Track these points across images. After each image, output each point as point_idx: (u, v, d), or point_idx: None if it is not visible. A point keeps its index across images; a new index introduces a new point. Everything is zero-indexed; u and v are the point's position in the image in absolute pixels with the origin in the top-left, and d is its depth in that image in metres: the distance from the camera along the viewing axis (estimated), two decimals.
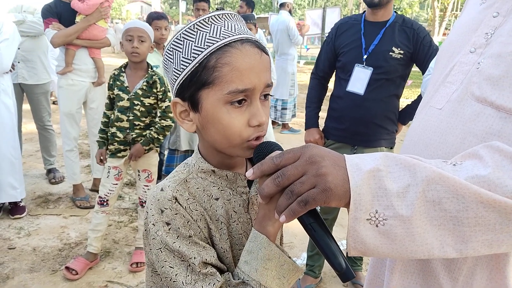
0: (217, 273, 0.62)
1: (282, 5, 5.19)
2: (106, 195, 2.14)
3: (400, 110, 1.97)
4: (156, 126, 2.10)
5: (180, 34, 0.62)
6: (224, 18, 0.62)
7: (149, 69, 2.12)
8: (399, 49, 1.78)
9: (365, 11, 1.91)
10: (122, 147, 2.11)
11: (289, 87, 5.18)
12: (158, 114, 2.14)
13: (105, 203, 2.15)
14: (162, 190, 0.64)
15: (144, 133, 2.12)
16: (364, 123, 1.85)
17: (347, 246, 0.54)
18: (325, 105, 2.01)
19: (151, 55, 2.37)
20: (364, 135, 1.88)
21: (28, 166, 3.53)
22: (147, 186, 2.21)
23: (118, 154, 2.11)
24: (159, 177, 2.80)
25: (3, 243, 2.39)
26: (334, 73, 2.02)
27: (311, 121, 2.05)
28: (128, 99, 2.06)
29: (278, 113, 5.29)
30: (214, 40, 0.59)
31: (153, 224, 0.62)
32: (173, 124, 2.18)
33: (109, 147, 2.12)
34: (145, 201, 2.21)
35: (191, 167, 0.69)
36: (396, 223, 0.51)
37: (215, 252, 0.64)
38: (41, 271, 2.15)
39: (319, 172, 0.51)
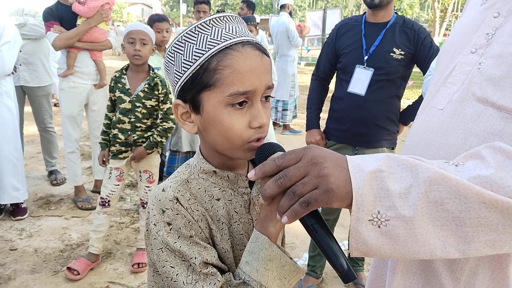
0: (218, 273, 0.62)
1: (282, 7, 5.21)
2: (107, 196, 2.15)
3: (401, 110, 1.97)
4: (158, 129, 2.11)
5: (182, 36, 0.62)
6: (225, 21, 0.62)
7: (151, 71, 2.13)
8: (399, 50, 1.78)
9: (365, 12, 1.91)
10: (123, 148, 2.11)
11: (289, 88, 5.19)
12: (160, 116, 2.14)
13: (106, 204, 2.16)
14: (163, 190, 0.64)
15: (145, 135, 2.12)
16: (365, 124, 1.85)
17: (349, 247, 0.54)
18: (326, 106, 2.01)
19: (152, 57, 2.38)
20: (365, 136, 1.88)
21: (29, 168, 3.54)
22: (149, 187, 2.22)
23: (120, 156, 2.12)
24: (160, 178, 2.80)
25: (5, 244, 2.40)
26: (335, 74, 2.03)
27: (312, 122, 2.05)
28: (129, 101, 2.07)
29: (279, 114, 5.30)
30: (215, 43, 0.59)
31: (154, 224, 0.63)
32: (174, 126, 2.18)
33: (110, 149, 2.13)
34: (146, 202, 2.21)
35: (192, 168, 0.69)
36: (398, 223, 0.51)
37: (216, 252, 0.64)
38: (42, 272, 2.16)
39: (321, 173, 0.52)
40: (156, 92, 2.10)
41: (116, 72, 2.14)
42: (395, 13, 1.86)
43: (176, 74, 0.63)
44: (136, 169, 2.22)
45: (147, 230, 0.66)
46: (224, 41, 0.59)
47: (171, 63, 0.63)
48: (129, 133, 2.09)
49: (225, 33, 0.60)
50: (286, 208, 0.53)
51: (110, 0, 2.85)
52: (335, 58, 1.96)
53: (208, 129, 0.63)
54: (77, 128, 2.93)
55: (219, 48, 0.59)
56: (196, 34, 0.61)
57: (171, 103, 2.14)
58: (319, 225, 0.56)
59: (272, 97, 0.68)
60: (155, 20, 2.79)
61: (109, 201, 2.15)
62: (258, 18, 7.25)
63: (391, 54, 1.78)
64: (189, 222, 0.62)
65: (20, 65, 3.04)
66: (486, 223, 0.50)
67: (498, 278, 0.62)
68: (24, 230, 2.57)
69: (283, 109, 5.26)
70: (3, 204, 2.69)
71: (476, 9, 0.71)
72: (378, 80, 1.80)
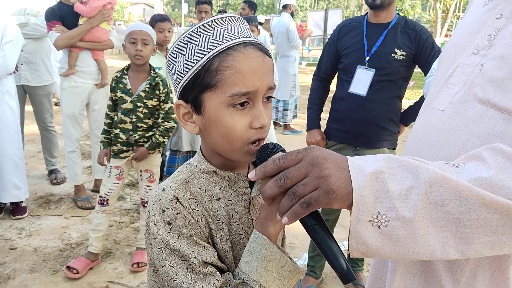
0: (217, 272, 0.62)
1: (285, 7, 5.21)
2: (106, 195, 2.15)
3: (402, 111, 1.97)
4: (160, 129, 2.11)
5: (184, 37, 0.62)
6: (227, 21, 0.62)
7: (152, 71, 2.13)
8: (401, 50, 1.78)
9: (367, 13, 1.91)
10: (125, 148, 2.12)
11: (290, 88, 5.19)
12: (161, 116, 2.14)
13: (105, 203, 2.16)
14: (163, 190, 0.64)
15: (146, 135, 2.12)
16: (366, 124, 1.85)
17: (350, 247, 0.54)
18: (327, 106, 2.01)
19: (153, 57, 2.39)
20: (366, 136, 1.88)
21: (30, 167, 3.54)
22: (149, 186, 2.22)
23: (121, 155, 2.12)
24: (161, 178, 2.81)
25: (4, 243, 2.40)
26: (336, 74, 2.03)
27: (312, 123, 2.05)
28: (131, 102, 2.07)
29: (280, 114, 5.31)
30: (217, 43, 0.60)
31: (154, 224, 0.63)
32: (175, 125, 2.19)
33: (112, 148, 2.14)
34: (147, 202, 2.21)
35: (193, 168, 0.69)
36: (398, 224, 0.51)
37: (215, 252, 0.64)
38: (42, 271, 2.16)
39: (321, 174, 0.52)
40: (157, 92, 2.10)
41: (117, 72, 2.14)
42: (397, 13, 1.86)
43: (178, 74, 0.63)
44: (137, 168, 2.22)
45: (147, 229, 0.66)
46: (226, 42, 0.59)
47: (173, 64, 0.64)
48: (131, 133, 2.10)
49: (227, 34, 0.60)
50: (286, 208, 0.53)
51: (112, 0, 2.85)
52: (336, 58, 1.96)
53: (209, 129, 0.63)
54: (78, 128, 2.93)
55: (221, 49, 0.59)
56: (198, 35, 0.61)
57: (172, 103, 2.14)
58: (319, 226, 0.56)
59: (273, 98, 0.68)
60: (157, 20, 2.80)
61: (107, 199, 2.15)
62: (262, 18, 7.22)
63: (393, 54, 1.78)
64: (189, 222, 0.62)
65: (22, 64, 3.04)
66: (486, 225, 0.50)
67: (498, 280, 0.62)
68: (23, 229, 2.57)
69: (284, 109, 5.27)
70: (3, 203, 2.70)
71: (479, 10, 0.71)
72: (379, 81, 1.80)
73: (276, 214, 0.56)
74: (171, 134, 2.16)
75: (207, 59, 0.59)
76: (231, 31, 0.61)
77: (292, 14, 5.23)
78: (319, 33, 8.98)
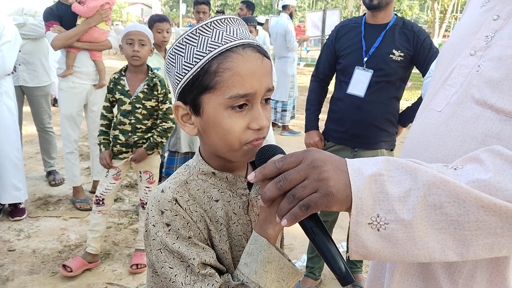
0: (216, 274, 0.63)
1: (284, 7, 5.21)
2: (102, 194, 2.14)
3: (400, 112, 1.97)
4: (158, 129, 2.11)
5: (183, 38, 0.62)
6: (226, 23, 0.62)
7: (149, 72, 2.12)
8: (399, 51, 1.78)
9: (365, 13, 1.91)
10: (124, 149, 2.12)
11: (288, 89, 5.20)
12: (159, 116, 2.14)
13: (101, 202, 2.15)
14: (162, 191, 0.64)
15: (145, 136, 2.12)
16: (364, 125, 1.85)
17: (349, 250, 0.54)
18: (325, 107, 2.01)
19: (151, 57, 2.38)
20: (364, 137, 1.88)
21: (28, 168, 3.53)
22: (149, 187, 2.21)
23: (120, 156, 2.12)
24: (159, 179, 2.80)
25: (2, 245, 2.39)
26: (335, 75, 2.03)
27: (311, 124, 2.06)
28: (129, 103, 2.07)
29: (278, 115, 5.31)
30: (215, 45, 0.60)
31: (153, 225, 0.63)
32: (174, 126, 2.18)
33: (111, 149, 2.13)
34: (146, 203, 2.21)
35: (191, 169, 0.69)
36: (397, 227, 0.51)
37: (214, 253, 0.65)
38: (40, 273, 2.15)
39: (321, 177, 0.52)
40: (156, 93, 2.10)
41: (114, 73, 2.14)
42: (395, 14, 1.87)
43: (176, 76, 0.63)
44: (136, 169, 2.22)
45: (146, 231, 0.66)
46: (224, 44, 0.60)
47: (172, 65, 0.64)
48: (130, 134, 2.09)
49: (226, 35, 0.60)
50: (285, 211, 0.53)
51: (110, 0, 2.84)
52: (334, 59, 1.96)
53: (208, 131, 0.63)
54: (76, 129, 2.92)
55: (219, 51, 0.59)
56: (197, 36, 0.61)
57: (170, 103, 2.14)
58: (318, 228, 0.56)
59: (272, 99, 0.68)
60: (155, 21, 2.79)
61: (103, 199, 2.15)
62: (263, 19, 7.19)
63: (391, 55, 1.78)
64: (187, 223, 0.62)
65: (20, 65, 3.03)
66: (485, 227, 0.50)
67: (496, 281, 0.62)
68: (22, 230, 2.56)
69: (282, 110, 5.27)
70: (1, 205, 2.69)
71: (476, 11, 0.71)
72: (377, 82, 1.80)
73: (275, 216, 0.56)
74: (169, 135, 2.16)
75: (206, 61, 0.59)
76: (230, 33, 0.61)
77: (291, 15, 5.23)
78: (317, 34, 9.00)
